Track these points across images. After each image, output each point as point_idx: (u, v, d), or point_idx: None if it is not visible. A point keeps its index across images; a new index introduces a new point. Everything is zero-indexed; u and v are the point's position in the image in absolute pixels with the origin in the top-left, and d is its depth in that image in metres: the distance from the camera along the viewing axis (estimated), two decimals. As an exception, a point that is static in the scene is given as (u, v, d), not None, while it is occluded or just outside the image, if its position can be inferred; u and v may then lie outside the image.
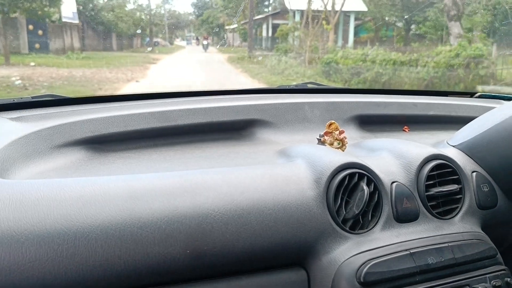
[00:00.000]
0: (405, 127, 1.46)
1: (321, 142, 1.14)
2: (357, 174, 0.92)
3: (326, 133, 1.13)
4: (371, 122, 1.41)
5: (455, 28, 8.36)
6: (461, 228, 0.97)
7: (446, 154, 1.02)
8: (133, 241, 0.76)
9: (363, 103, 1.42)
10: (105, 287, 0.76)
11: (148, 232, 0.77)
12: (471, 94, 1.71)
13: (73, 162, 1.03)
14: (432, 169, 0.99)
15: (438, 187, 0.99)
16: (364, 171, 0.93)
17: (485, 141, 1.08)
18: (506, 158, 1.03)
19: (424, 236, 0.92)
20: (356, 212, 0.89)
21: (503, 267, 0.94)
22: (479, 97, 1.68)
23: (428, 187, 0.98)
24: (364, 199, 0.90)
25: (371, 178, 0.93)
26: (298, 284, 0.88)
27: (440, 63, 6.71)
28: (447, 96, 1.67)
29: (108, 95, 1.25)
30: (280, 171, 0.94)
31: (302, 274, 0.89)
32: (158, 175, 0.88)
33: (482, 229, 1.01)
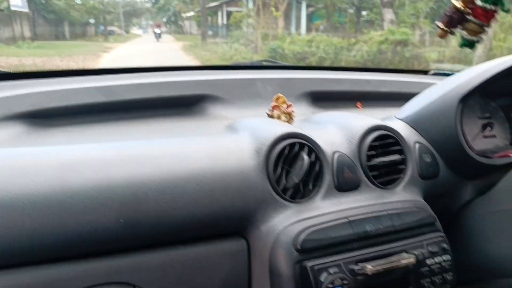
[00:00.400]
0: (358, 103, 1.46)
1: (270, 116, 1.14)
2: (297, 144, 0.92)
3: (273, 107, 1.13)
4: (324, 99, 1.42)
5: (388, 14, 8.63)
6: (402, 197, 0.98)
7: (388, 125, 1.02)
8: (63, 210, 0.74)
9: (316, 80, 1.43)
10: (34, 257, 0.74)
11: (78, 201, 0.76)
12: (425, 72, 1.73)
13: (12, 135, 1.00)
14: (374, 140, 0.99)
15: (380, 157, 1.00)
16: (305, 141, 0.93)
17: (428, 113, 1.10)
18: (445, 128, 1.05)
19: (364, 204, 0.93)
20: (296, 181, 0.89)
21: (441, 234, 0.95)
22: (434, 74, 1.70)
23: (370, 157, 0.99)
24: (304, 168, 0.90)
25: (312, 148, 0.93)
26: (238, 253, 0.88)
27: (372, 47, 7.26)
28: (402, 73, 1.68)
29: (51, 70, 1.21)
30: (222, 142, 0.94)
31: (242, 244, 0.89)
32: (93, 145, 0.86)
33: (425, 200, 1.03)
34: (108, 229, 0.77)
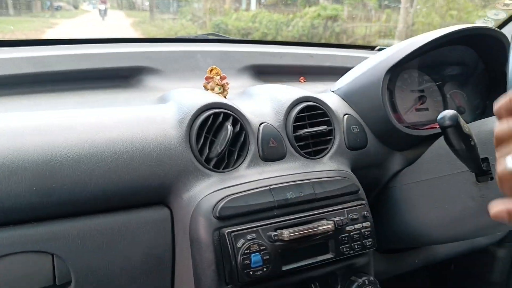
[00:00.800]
0: (301, 78, 1.47)
1: (205, 88, 1.14)
2: (222, 114, 0.92)
3: (207, 78, 1.13)
4: (266, 72, 1.42)
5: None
6: (327, 167, 1.00)
7: (316, 97, 1.04)
8: None
9: (258, 53, 1.43)
10: None
11: None
12: (372, 48, 1.75)
13: None
14: (301, 111, 1.01)
15: (308, 128, 1.01)
16: (230, 111, 0.93)
17: (358, 86, 1.12)
18: (373, 100, 1.07)
19: (288, 173, 0.95)
20: (220, 150, 0.90)
21: (363, 201, 0.98)
22: (379, 50, 1.72)
23: (297, 128, 1.00)
24: (227, 138, 0.90)
25: (237, 118, 0.94)
26: (161, 222, 0.89)
27: (307, 22, 7.50)
28: (348, 49, 1.69)
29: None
30: (146, 112, 0.94)
31: (165, 212, 0.89)
32: (7, 114, 0.85)
33: (354, 171, 1.05)
34: (21, 197, 0.76)
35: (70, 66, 1.17)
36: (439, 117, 0.85)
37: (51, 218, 0.81)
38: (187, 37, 1.53)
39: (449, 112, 0.83)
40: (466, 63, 1.29)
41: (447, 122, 0.83)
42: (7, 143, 0.78)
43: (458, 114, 0.83)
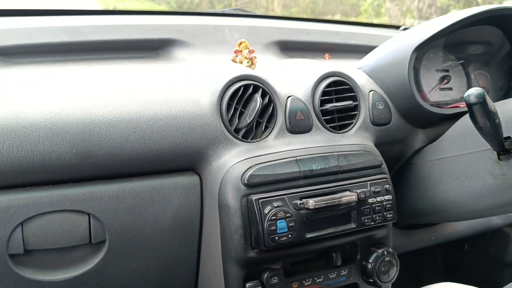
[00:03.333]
0: (326, 55, 1.49)
1: (233, 61, 1.16)
2: (252, 86, 0.95)
3: (235, 51, 1.15)
4: (292, 49, 1.44)
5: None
6: (352, 141, 1.03)
7: (343, 72, 1.06)
8: (16, 139, 0.78)
9: (285, 29, 1.44)
10: None
11: (32, 131, 0.79)
12: (397, 27, 1.75)
13: None
14: (328, 86, 1.03)
15: (334, 103, 1.03)
16: (260, 83, 0.96)
17: (384, 63, 1.13)
18: (399, 77, 1.09)
19: (314, 146, 0.98)
20: (249, 121, 0.93)
21: (385, 175, 1.01)
22: (404, 29, 1.72)
23: (324, 102, 1.03)
24: (257, 109, 0.93)
25: (266, 90, 0.96)
26: (191, 188, 0.93)
27: None
28: (373, 27, 1.70)
29: (13, 8, 1.21)
30: (178, 82, 0.97)
31: (195, 179, 0.93)
32: (45, 80, 0.89)
33: (377, 146, 1.07)
34: (61, 159, 0.81)
35: (103, 36, 1.20)
36: (465, 94, 0.86)
37: (89, 180, 0.86)
38: (215, 11, 1.55)
39: (476, 90, 0.85)
40: (491, 43, 1.29)
41: (474, 99, 0.85)
42: (48, 107, 0.82)
43: (485, 92, 0.85)
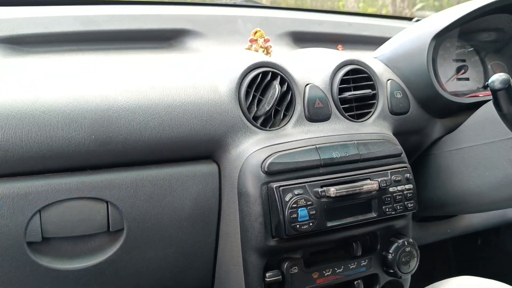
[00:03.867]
0: (339, 46, 1.47)
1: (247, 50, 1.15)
2: (270, 73, 0.94)
3: (251, 40, 1.14)
4: (305, 40, 1.42)
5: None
6: (370, 129, 1.01)
7: (362, 61, 1.04)
8: (35, 124, 0.77)
9: (298, 20, 1.43)
10: (7, 169, 0.77)
11: (51, 116, 0.78)
12: (409, 19, 1.73)
13: None
14: (347, 74, 1.01)
15: (353, 91, 1.02)
16: (278, 70, 0.95)
17: (402, 51, 1.12)
18: (417, 66, 1.07)
19: (333, 134, 0.96)
20: (267, 109, 0.92)
21: (406, 164, 0.99)
22: (417, 21, 1.70)
23: (342, 91, 1.01)
24: (275, 96, 0.92)
25: (285, 78, 0.95)
26: (209, 176, 0.91)
27: None
28: (386, 19, 1.68)
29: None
30: (196, 70, 0.96)
31: (213, 167, 0.92)
32: (68, 67, 0.88)
33: (396, 135, 1.06)
34: (80, 145, 0.79)
35: (117, 26, 1.19)
36: (490, 80, 0.85)
37: (107, 167, 0.84)
38: (227, 3, 1.53)
39: (501, 75, 0.84)
40: (503, 30, 1.27)
41: (499, 85, 0.83)
42: (67, 93, 0.81)
43: (510, 78, 0.84)
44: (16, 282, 0.81)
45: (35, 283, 0.82)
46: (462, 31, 1.23)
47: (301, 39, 1.42)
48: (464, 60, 1.26)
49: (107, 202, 0.84)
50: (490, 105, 0.99)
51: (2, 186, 0.77)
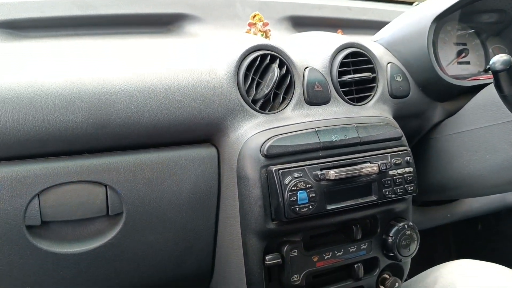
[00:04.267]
0: (339, 30, 1.46)
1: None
2: (269, 56, 0.93)
3: (249, 24, 1.13)
4: (304, 24, 1.41)
5: None
6: (370, 113, 1.00)
7: (361, 44, 1.03)
8: (32, 108, 0.76)
9: (297, 4, 1.41)
10: (5, 152, 0.76)
11: (48, 99, 0.77)
12: (410, 3, 1.72)
13: None
14: (346, 57, 1.01)
15: (352, 74, 1.01)
16: (277, 53, 0.94)
17: (402, 34, 1.11)
18: (418, 49, 1.06)
19: (332, 117, 0.95)
20: (266, 92, 0.91)
21: (406, 147, 0.99)
22: (417, 5, 1.69)
23: (342, 74, 1.00)
24: (274, 79, 0.91)
25: (284, 60, 0.94)
26: (208, 159, 0.91)
27: None
28: (386, 3, 1.67)
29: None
30: (194, 54, 0.95)
31: (212, 151, 0.91)
32: (64, 50, 0.87)
33: (396, 119, 1.05)
34: (78, 128, 0.79)
35: (114, 10, 1.18)
36: (491, 61, 0.84)
37: (106, 151, 0.84)
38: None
39: (502, 56, 0.83)
40: (505, 11, 1.26)
41: (500, 66, 0.82)
42: (64, 76, 0.80)
43: (511, 59, 0.83)
44: (16, 265, 0.81)
45: (35, 267, 0.82)
46: (463, 13, 1.22)
47: (301, 23, 1.41)
48: (465, 44, 1.25)
49: (106, 186, 0.84)
50: (490, 88, 0.98)
51: (0, 170, 0.76)
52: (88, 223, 0.85)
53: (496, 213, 1.59)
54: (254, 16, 1.13)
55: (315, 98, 0.96)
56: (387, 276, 1.03)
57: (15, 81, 0.77)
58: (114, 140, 0.83)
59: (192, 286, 1.00)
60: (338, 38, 1.04)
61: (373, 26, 1.50)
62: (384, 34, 1.17)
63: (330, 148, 0.91)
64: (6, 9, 1.07)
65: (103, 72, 0.84)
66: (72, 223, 0.84)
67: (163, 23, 1.25)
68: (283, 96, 0.94)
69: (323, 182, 0.87)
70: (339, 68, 0.99)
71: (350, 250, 0.96)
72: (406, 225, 0.98)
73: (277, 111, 0.93)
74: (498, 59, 0.83)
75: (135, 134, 0.84)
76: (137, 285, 0.93)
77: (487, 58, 1.27)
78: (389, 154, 0.95)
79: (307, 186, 0.85)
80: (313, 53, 1.02)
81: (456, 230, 1.77)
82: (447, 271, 0.95)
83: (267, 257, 0.88)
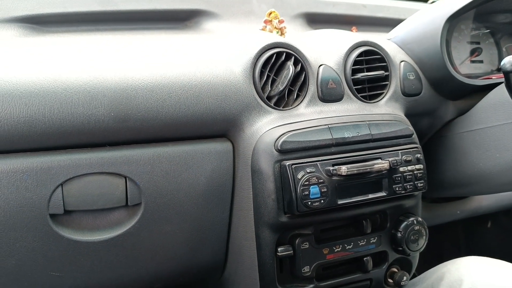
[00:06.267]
0: (353, 27, 1.47)
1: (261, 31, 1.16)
2: (284, 54, 0.95)
3: (265, 21, 1.16)
4: (319, 21, 1.43)
5: None
6: (382, 110, 1.02)
7: (375, 42, 1.05)
8: (57, 101, 0.79)
9: (312, 1, 1.43)
10: (31, 143, 0.80)
11: (72, 94, 0.80)
12: (425, 1, 1.72)
13: (9, 38, 1.03)
14: (360, 55, 1.02)
15: (366, 72, 1.03)
16: (292, 51, 0.96)
17: (416, 33, 1.12)
18: (431, 48, 1.08)
19: (345, 114, 0.98)
20: (281, 88, 0.94)
21: (417, 145, 1.01)
22: (432, 3, 1.69)
23: (355, 72, 1.02)
24: (289, 76, 0.94)
25: (298, 58, 0.96)
26: (224, 153, 0.94)
27: None
28: (401, 0, 1.68)
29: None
30: (211, 49, 0.98)
31: (227, 145, 0.94)
32: (88, 46, 0.90)
33: (408, 117, 1.07)
34: (100, 122, 0.82)
35: (133, 6, 1.21)
36: (502, 62, 0.85)
37: (126, 144, 0.87)
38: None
39: None
40: None
41: (511, 67, 0.84)
42: (89, 71, 0.83)
43: None
44: (39, 252, 0.85)
45: (57, 254, 0.86)
46: (478, 12, 1.23)
47: (315, 20, 1.43)
48: (478, 43, 1.25)
49: (125, 178, 0.87)
50: (502, 88, 1.00)
51: (26, 160, 0.80)
52: (108, 213, 0.88)
53: (506, 211, 1.60)
54: (270, 13, 1.15)
55: (329, 95, 0.98)
56: (396, 270, 1.06)
57: (41, 75, 0.80)
58: (134, 134, 0.86)
59: (206, 275, 1.03)
60: (352, 36, 1.06)
61: (388, 23, 1.51)
62: (398, 32, 1.18)
63: (342, 145, 0.93)
64: (30, 4, 1.10)
65: (124, 68, 0.87)
66: (93, 213, 0.87)
67: (181, 19, 1.28)
68: (297, 93, 0.97)
69: (335, 178, 0.89)
70: (353, 66, 1.01)
71: (360, 244, 0.99)
72: (415, 221, 1.01)
73: (291, 107, 0.96)
74: (509, 60, 0.84)
75: (154, 128, 0.87)
76: (153, 273, 0.96)
77: (501, 57, 1.28)
78: (400, 151, 0.97)
79: (319, 181, 0.88)
80: (327, 51, 1.04)
81: (465, 227, 1.79)
82: (454, 268, 0.97)
83: (279, 249, 0.91)
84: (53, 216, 0.84)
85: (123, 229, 0.89)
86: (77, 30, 1.14)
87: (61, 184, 0.82)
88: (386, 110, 1.03)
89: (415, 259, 1.08)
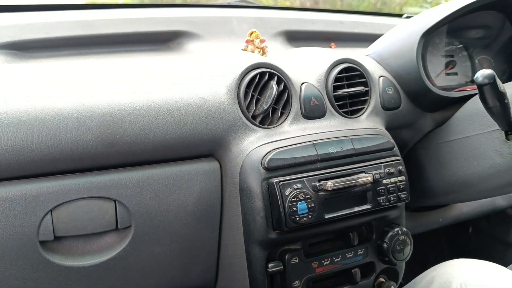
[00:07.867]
0: (332, 44, 1.51)
1: (244, 51, 1.19)
2: (267, 73, 0.98)
3: (247, 41, 1.18)
4: (298, 38, 1.46)
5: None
6: (364, 125, 1.06)
7: (354, 59, 1.09)
8: (44, 128, 0.80)
9: (291, 19, 1.47)
10: (19, 171, 0.80)
11: (60, 120, 0.81)
12: (399, 16, 1.78)
13: None
14: (340, 72, 1.06)
15: (346, 88, 1.06)
16: (275, 71, 0.99)
17: (392, 49, 1.16)
18: (408, 62, 1.12)
19: (328, 130, 1.01)
20: (265, 107, 0.96)
21: (398, 157, 1.04)
22: (406, 17, 1.75)
23: (336, 88, 1.05)
24: (273, 95, 0.96)
25: (281, 77, 0.99)
26: (211, 173, 0.95)
27: None
28: (376, 16, 1.73)
29: (28, 4, 1.23)
30: (196, 71, 0.99)
31: (215, 165, 0.96)
32: (74, 72, 0.91)
33: (388, 130, 1.11)
34: (88, 147, 0.83)
35: (115, 29, 1.22)
36: (476, 75, 0.89)
37: (114, 167, 0.88)
38: (222, 3, 1.57)
39: (486, 71, 0.88)
40: (491, 27, 1.32)
41: (485, 80, 0.88)
42: (76, 97, 0.84)
43: (495, 73, 0.88)
44: (30, 279, 0.84)
45: (48, 280, 0.86)
46: (451, 28, 1.28)
47: (295, 37, 1.46)
48: (452, 56, 1.30)
49: (115, 201, 0.88)
50: (476, 99, 1.04)
51: (15, 188, 0.80)
52: (98, 237, 0.89)
53: (486, 216, 1.65)
54: (251, 33, 1.17)
55: (312, 112, 1.01)
56: (383, 280, 1.08)
57: (28, 103, 0.81)
58: (122, 157, 0.87)
59: None
60: (332, 54, 1.10)
61: (365, 38, 1.56)
62: (375, 48, 1.22)
63: (327, 160, 0.96)
64: (11, 31, 1.10)
65: (111, 93, 0.88)
66: (83, 237, 0.87)
67: (163, 40, 1.30)
68: (281, 111, 0.99)
69: (321, 193, 0.92)
70: (334, 83, 1.05)
71: (348, 256, 1.01)
72: (399, 231, 1.03)
73: (276, 125, 0.98)
74: (482, 74, 0.88)
75: (142, 151, 0.88)
76: None
77: (474, 69, 1.33)
78: (382, 164, 1.00)
79: (306, 196, 0.90)
80: (308, 69, 1.07)
81: (448, 233, 1.83)
82: (443, 270, 0.99)
83: (269, 265, 0.93)
84: (43, 242, 0.84)
85: (114, 253, 0.90)
86: (60, 54, 1.15)
87: (51, 211, 0.83)
88: (368, 125, 1.06)
89: (402, 268, 1.11)
